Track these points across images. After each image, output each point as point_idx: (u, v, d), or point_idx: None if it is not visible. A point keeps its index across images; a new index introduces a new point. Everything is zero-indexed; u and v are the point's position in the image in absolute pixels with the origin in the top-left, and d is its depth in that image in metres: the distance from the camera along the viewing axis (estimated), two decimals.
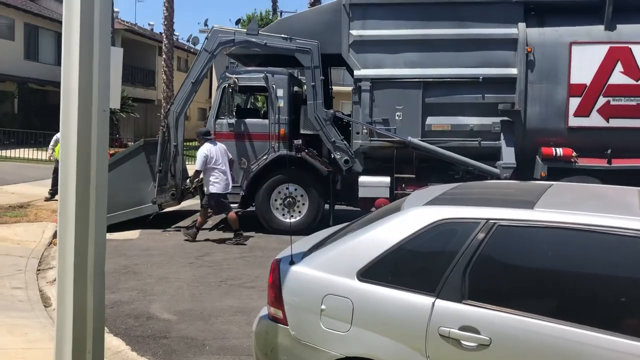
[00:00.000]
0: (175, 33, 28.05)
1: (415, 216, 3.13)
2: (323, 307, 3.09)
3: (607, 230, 2.67)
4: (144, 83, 33.34)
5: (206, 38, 9.71)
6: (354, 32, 9.37)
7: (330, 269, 3.20)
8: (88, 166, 2.73)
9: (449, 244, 2.98)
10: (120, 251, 8.30)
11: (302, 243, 3.77)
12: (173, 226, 10.11)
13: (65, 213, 2.74)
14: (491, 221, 2.90)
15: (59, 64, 2.77)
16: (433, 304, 2.83)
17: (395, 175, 9.39)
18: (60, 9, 30.42)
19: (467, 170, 9.37)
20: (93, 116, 2.72)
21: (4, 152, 19.23)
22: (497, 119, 9.20)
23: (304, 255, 3.44)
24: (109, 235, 9.28)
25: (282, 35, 9.46)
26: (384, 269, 3.06)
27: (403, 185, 9.30)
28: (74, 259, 2.73)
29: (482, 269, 2.86)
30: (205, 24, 31.24)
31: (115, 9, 31.24)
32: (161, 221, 10.27)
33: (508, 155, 9.12)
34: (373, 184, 9.35)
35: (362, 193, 9.38)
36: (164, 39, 24.95)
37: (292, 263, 3.36)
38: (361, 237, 3.23)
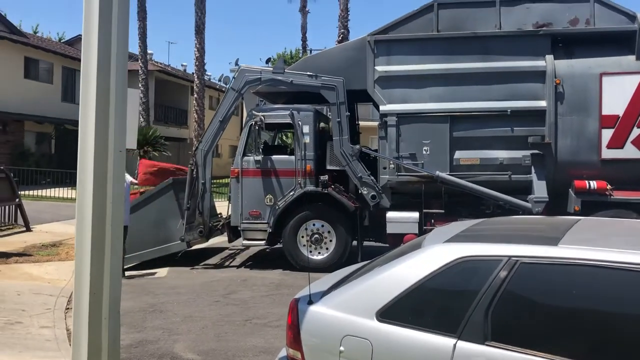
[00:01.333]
0: (208, 73, 28.87)
1: (435, 254, 3.03)
2: (342, 348, 3.00)
3: (636, 267, 2.53)
4: (177, 122, 34.07)
5: (233, 77, 9.89)
6: (379, 68, 9.42)
7: (349, 308, 3.11)
8: (104, 206, 2.74)
9: (471, 282, 2.87)
10: (148, 289, 8.32)
11: (323, 281, 3.70)
12: (201, 264, 10.13)
13: (81, 253, 2.74)
14: (513, 258, 2.79)
15: None
16: (454, 345, 2.71)
17: (424, 210, 9.26)
18: None
19: (498, 205, 9.18)
20: (109, 157, 2.74)
21: (40, 192, 19.73)
22: (527, 152, 9.04)
23: (323, 294, 3.36)
24: (137, 273, 9.41)
25: (308, 73, 9.57)
26: (404, 309, 2.96)
27: (432, 220, 9.15)
28: (89, 299, 2.72)
29: (505, 309, 2.74)
30: (236, 64, 31.85)
31: (149, 51, 32.19)
32: (189, 259, 10.32)
33: (540, 189, 8.92)
34: (401, 219, 9.23)
35: (390, 229, 9.26)
36: (195, 79, 25.55)
37: (310, 302, 3.28)
38: (380, 276, 3.14)
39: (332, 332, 3.11)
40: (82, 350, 2.73)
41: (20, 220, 12.88)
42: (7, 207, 12.73)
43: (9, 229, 12.57)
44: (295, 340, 3.25)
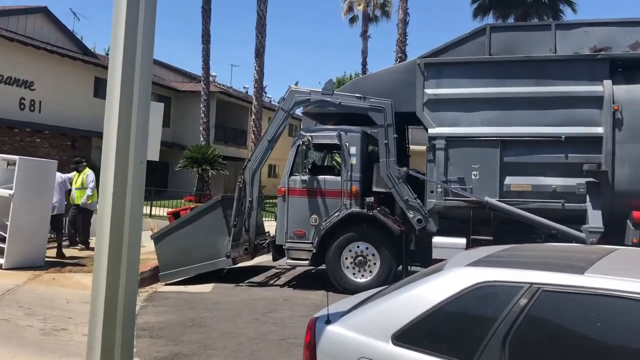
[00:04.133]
0: (268, 95, 29.43)
1: (455, 277, 2.94)
2: None
3: None
4: (236, 142, 34.78)
5: (283, 98, 10.03)
6: (428, 91, 9.33)
7: (365, 330, 3.05)
8: (123, 216, 2.81)
9: (490, 308, 2.76)
10: (191, 304, 8.44)
11: (345, 302, 3.65)
12: (246, 281, 10.20)
13: (99, 261, 2.81)
14: (535, 286, 2.67)
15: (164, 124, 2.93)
16: None
17: (472, 236, 9.02)
18: (162, 73, 32.57)
19: (551, 234, 8.83)
20: (129, 168, 2.81)
21: None
22: (582, 180, 8.68)
23: (342, 314, 3.31)
24: (183, 288, 9.57)
25: (356, 95, 9.59)
26: (420, 333, 2.88)
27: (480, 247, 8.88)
28: (104, 307, 2.77)
29: (524, 337, 2.61)
30: (296, 85, 32.43)
31: (213, 73, 33.19)
32: (235, 276, 10.42)
33: (595, 219, 8.52)
34: (448, 245, 9.01)
35: (436, 254, 9.04)
36: (254, 100, 26.08)
37: (328, 322, 3.24)
38: (398, 298, 3.07)
39: (347, 353, 3.06)
40: (95, 355, 2.79)
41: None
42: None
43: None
44: (311, 359, 3.20)
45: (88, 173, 11.96)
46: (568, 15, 27.04)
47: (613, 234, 8.37)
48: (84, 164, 12.37)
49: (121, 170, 2.80)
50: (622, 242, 8.27)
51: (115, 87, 2.78)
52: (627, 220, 8.36)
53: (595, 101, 8.69)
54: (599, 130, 8.63)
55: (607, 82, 8.66)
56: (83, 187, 11.82)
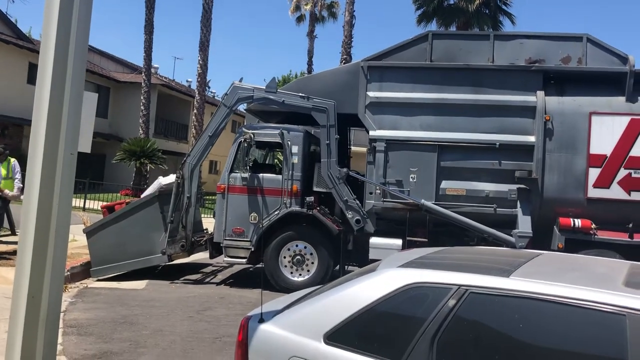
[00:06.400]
0: (212, 90, 28.97)
1: (386, 278, 2.99)
2: None
3: (580, 303, 2.49)
4: (177, 136, 34.13)
5: (226, 93, 9.91)
6: (370, 94, 9.45)
7: (297, 329, 3.06)
8: (50, 210, 2.70)
9: (419, 309, 2.82)
10: (123, 301, 8.22)
11: (280, 301, 3.64)
12: (181, 278, 10.02)
13: (22, 255, 2.70)
14: (463, 287, 2.75)
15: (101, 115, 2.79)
16: None
17: (408, 238, 9.20)
18: (102, 62, 31.60)
19: (482, 237, 9.12)
20: (59, 158, 2.71)
21: None
22: (514, 186, 9.01)
23: (275, 313, 3.31)
24: (116, 285, 9.31)
25: (300, 94, 9.60)
26: (352, 333, 2.91)
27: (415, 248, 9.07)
28: (26, 302, 2.66)
29: (451, 338, 2.69)
30: (240, 82, 32.11)
31: (155, 65, 32.45)
32: (171, 273, 10.23)
33: (524, 224, 8.87)
34: (384, 245, 9.15)
35: (373, 255, 9.16)
36: (196, 95, 25.65)
37: (261, 321, 3.23)
38: (331, 298, 3.10)
39: (279, 352, 3.06)
40: (15, 355, 2.67)
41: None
42: None
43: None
44: (243, 358, 3.19)
45: (14, 163, 11.42)
46: (507, 27, 28.02)
47: (541, 239, 8.74)
48: (7, 152, 11.80)
49: (50, 161, 2.69)
50: (549, 246, 8.65)
51: (47, 75, 2.68)
52: (554, 226, 8.74)
53: (529, 111, 9.04)
54: (531, 139, 8.98)
55: (540, 93, 9.03)
56: (8, 177, 11.29)
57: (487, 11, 27.73)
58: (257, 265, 10.33)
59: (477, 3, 26.18)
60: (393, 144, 9.34)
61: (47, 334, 2.73)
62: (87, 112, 4.19)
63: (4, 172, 11.30)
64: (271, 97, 9.68)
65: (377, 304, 2.89)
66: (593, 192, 8.74)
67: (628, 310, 2.43)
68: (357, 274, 3.35)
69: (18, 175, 11.18)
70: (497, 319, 2.72)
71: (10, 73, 24.40)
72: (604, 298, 2.49)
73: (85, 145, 4.50)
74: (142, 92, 26.56)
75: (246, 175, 9.60)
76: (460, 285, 2.76)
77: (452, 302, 2.72)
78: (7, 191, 10.99)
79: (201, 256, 11.29)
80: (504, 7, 28.31)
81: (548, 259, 3.47)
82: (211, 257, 10.14)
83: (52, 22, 2.67)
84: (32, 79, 25.35)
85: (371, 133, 9.45)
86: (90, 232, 9.85)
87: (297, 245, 9.42)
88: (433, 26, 27.98)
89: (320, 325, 2.97)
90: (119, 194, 22.83)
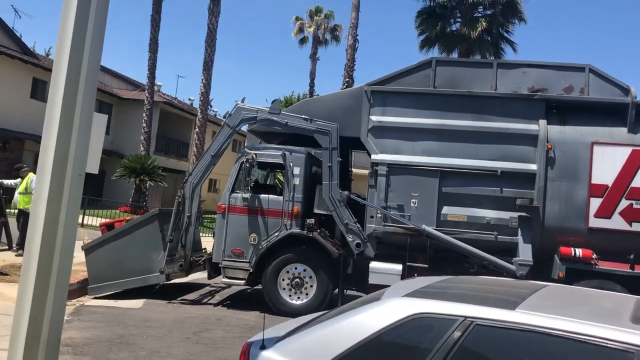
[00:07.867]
0: (214, 109, 29.11)
1: (391, 308, 2.96)
2: None
3: (587, 339, 2.46)
4: (177, 154, 34.19)
5: (229, 113, 9.95)
6: (373, 118, 9.49)
7: (300, 357, 3.02)
8: (55, 229, 2.69)
9: (424, 340, 2.79)
10: (120, 320, 8.15)
11: (282, 327, 3.61)
12: (179, 298, 9.95)
13: (26, 275, 2.68)
14: (469, 319, 2.72)
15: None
16: None
17: (408, 263, 9.15)
18: (105, 79, 31.78)
19: (483, 264, 9.08)
20: (66, 179, 2.70)
21: None
22: (515, 214, 9.00)
23: (277, 340, 3.27)
24: (113, 303, 9.23)
25: (303, 116, 9.63)
26: None
27: (415, 274, 8.99)
28: (27, 324, 2.63)
29: None
30: (242, 101, 32.25)
31: (158, 83, 32.67)
32: (169, 292, 10.15)
33: (525, 252, 8.83)
34: (384, 270, 9.10)
35: (373, 279, 9.12)
36: (198, 113, 25.78)
37: (263, 347, 3.19)
38: (335, 326, 3.07)
39: None
40: None
41: (4, 239, 12.72)
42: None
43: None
44: None
45: (32, 178, 11.95)
46: (508, 54, 28.29)
47: (541, 268, 8.71)
48: (26, 168, 12.53)
49: (58, 181, 2.69)
50: (549, 275, 8.61)
51: (58, 95, 2.68)
52: (555, 255, 8.70)
53: (531, 139, 9.06)
54: (533, 167, 8.99)
55: (542, 122, 9.06)
56: (27, 192, 11.75)
57: (489, 38, 28.01)
58: (255, 287, 10.26)
59: (479, 30, 26.45)
60: (395, 169, 9.35)
61: (48, 357, 2.70)
62: (97, 133, 4.19)
63: (22, 187, 12.00)
64: (274, 118, 9.72)
65: (381, 334, 2.87)
66: (594, 222, 8.73)
67: (636, 347, 2.40)
68: (361, 302, 3.32)
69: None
70: (502, 352, 2.69)
71: (14, 87, 24.53)
72: (612, 335, 2.46)
73: (93, 166, 4.50)
74: (145, 109, 26.69)
75: (247, 195, 9.59)
76: (466, 317, 2.74)
77: (457, 334, 2.70)
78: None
79: (199, 276, 11.23)
80: (505, 34, 28.63)
81: (554, 292, 3.44)
82: (209, 277, 10.07)
83: (65, 43, 2.69)
84: (35, 93, 25.51)
85: (373, 157, 9.47)
86: (89, 249, 9.80)
87: (296, 268, 9.37)
88: (435, 52, 28.25)
89: (324, 353, 2.94)
90: (118, 211, 22.77)
